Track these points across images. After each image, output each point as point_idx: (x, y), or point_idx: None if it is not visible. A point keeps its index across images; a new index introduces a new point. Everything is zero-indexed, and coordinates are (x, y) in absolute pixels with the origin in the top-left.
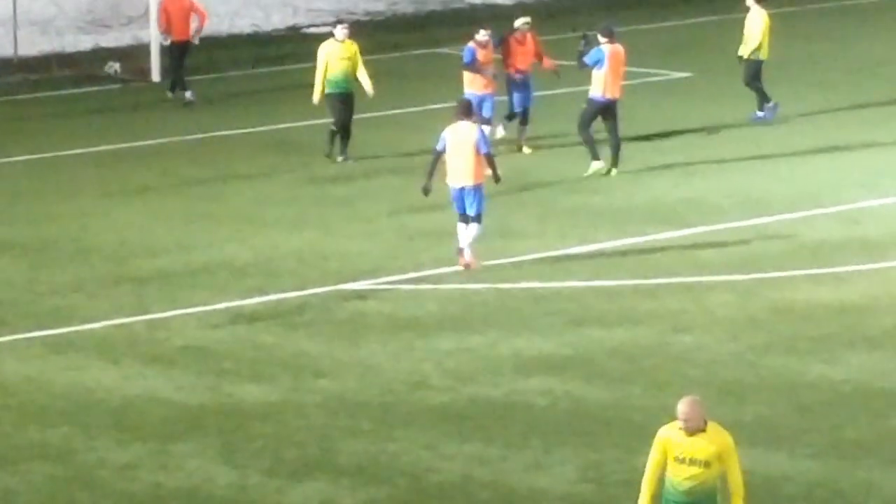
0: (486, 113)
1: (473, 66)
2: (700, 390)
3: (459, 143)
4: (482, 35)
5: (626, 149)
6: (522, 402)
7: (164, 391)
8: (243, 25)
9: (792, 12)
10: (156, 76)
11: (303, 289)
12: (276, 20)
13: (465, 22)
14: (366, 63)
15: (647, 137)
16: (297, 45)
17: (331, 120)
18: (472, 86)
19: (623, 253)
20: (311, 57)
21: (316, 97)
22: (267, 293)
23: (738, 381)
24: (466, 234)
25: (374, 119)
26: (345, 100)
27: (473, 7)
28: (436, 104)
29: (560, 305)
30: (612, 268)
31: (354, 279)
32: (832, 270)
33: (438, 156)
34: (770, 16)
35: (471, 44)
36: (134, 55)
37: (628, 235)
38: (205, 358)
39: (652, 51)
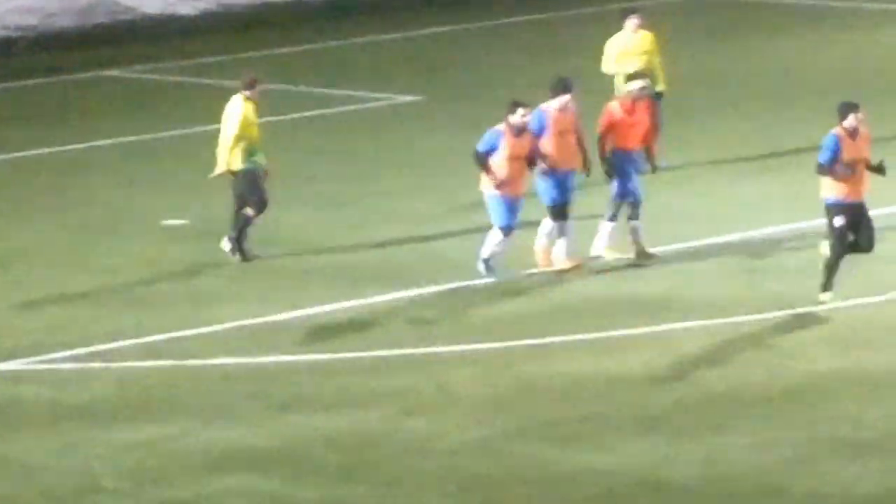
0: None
1: (484, 160)
2: (438, 486)
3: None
4: (519, 114)
5: (340, 186)
6: None
7: None
8: None
9: None
10: None
11: None
12: None
13: (140, 38)
14: (13, 90)
15: (367, 174)
16: None
17: None
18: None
19: (340, 320)
20: None
21: None
22: None
23: (484, 474)
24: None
25: (27, 159)
26: None
27: (148, 19)
28: (104, 139)
29: (262, 386)
30: (326, 338)
31: (6, 358)
32: (599, 336)
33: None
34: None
35: (500, 126)
36: None
37: (346, 298)
38: None
39: (369, 69)
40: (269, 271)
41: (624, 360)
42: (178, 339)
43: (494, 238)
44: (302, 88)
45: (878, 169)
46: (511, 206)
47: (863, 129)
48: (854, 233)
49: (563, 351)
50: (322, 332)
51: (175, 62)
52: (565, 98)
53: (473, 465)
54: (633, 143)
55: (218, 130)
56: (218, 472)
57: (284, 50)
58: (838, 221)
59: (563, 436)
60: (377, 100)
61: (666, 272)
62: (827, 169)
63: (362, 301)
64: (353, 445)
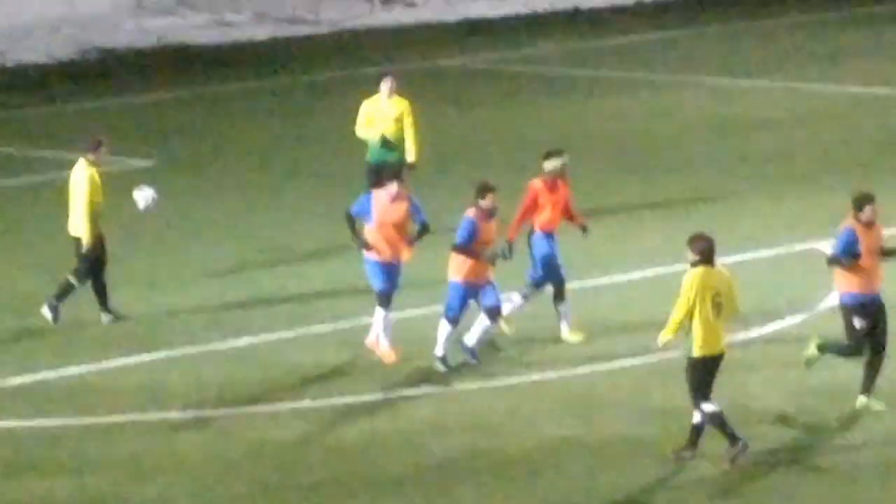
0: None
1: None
2: None
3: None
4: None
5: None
6: None
7: None
8: None
9: None
10: None
11: None
12: None
13: None
14: None
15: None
16: None
17: None
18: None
19: (71, 384)
20: None
21: None
22: None
23: None
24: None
25: None
26: None
27: None
28: None
29: None
30: (55, 403)
31: None
32: (329, 402)
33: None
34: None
35: (470, 213)
36: None
37: (75, 363)
38: None
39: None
40: None
41: (353, 426)
42: None
43: (445, 330)
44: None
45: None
46: (467, 295)
47: (877, 221)
48: (870, 332)
49: (289, 416)
50: (53, 397)
51: None
52: (394, 188)
53: None
54: (555, 222)
55: None
56: None
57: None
58: (859, 324)
59: (293, 501)
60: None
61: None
62: (842, 261)
63: (94, 366)
64: None
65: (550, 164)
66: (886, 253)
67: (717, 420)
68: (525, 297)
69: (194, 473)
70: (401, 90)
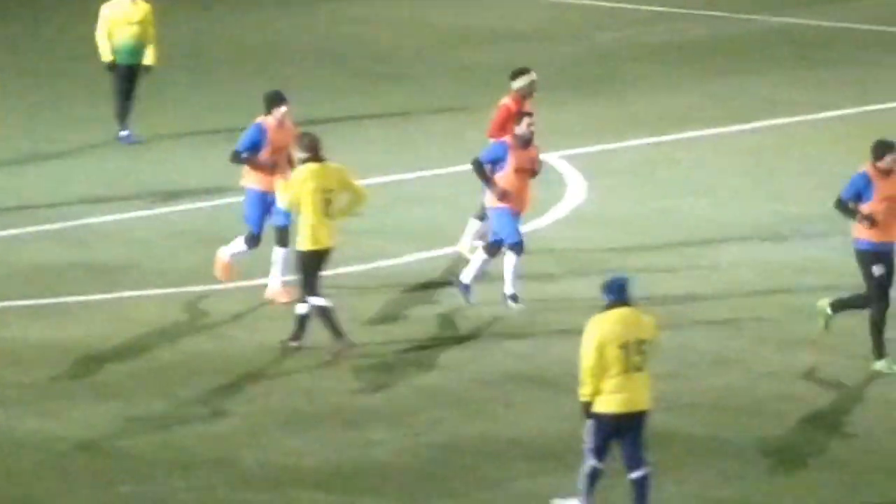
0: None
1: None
2: None
3: None
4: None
5: None
6: None
7: None
8: None
9: None
10: None
11: None
12: None
13: None
14: None
15: None
16: None
17: None
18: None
19: None
20: None
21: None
22: None
23: None
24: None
25: None
26: None
27: None
28: None
29: None
30: None
31: None
32: (51, 302)
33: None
34: None
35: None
36: None
37: None
38: None
39: None
40: None
41: (77, 328)
42: None
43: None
44: None
45: None
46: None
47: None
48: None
49: (15, 317)
50: None
51: None
52: (281, 111)
53: None
54: None
55: None
56: None
57: None
58: (878, 270)
59: (10, 401)
60: None
61: (125, 240)
62: (847, 207)
63: None
64: None
65: (519, 83)
66: None
67: (325, 314)
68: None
69: None
70: None
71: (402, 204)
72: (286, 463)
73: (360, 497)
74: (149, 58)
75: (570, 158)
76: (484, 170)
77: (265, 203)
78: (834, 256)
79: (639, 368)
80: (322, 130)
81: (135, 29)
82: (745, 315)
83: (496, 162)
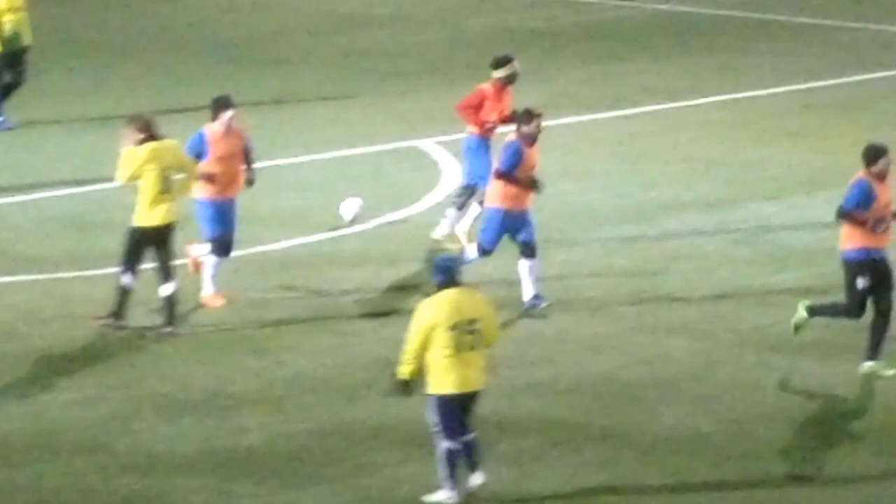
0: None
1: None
2: None
3: None
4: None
5: None
6: None
7: None
8: None
9: None
10: None
11: None
12: None
13: None
14: None
15: None
16: None
17: None
18: None
19: None
20: None
21: None
22: None
23: None
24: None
25: None
26: None
27: None
28: None
29: None
30: None
31: None
32: None
33: None
34: None
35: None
36: None
37: None
38: None
39: None
40: None
41: None
42: None
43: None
44: None
45: None
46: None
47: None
48: (874, 293)
49: None
50: None
51: None
52: (227, 115)
53: None
54: (493, 131)
55: None
56: None
57: None
58: (861, 283)
59: None
60: None
61: None
62: (854, 217)
63: None
64: None
65: (501, 73)
66: None
67: (125, 293)
68: (458, 207)
69: None
70: None
71: (278, 190)
72: (159, 449)
73: (233, 483)
74: (27, 38)
75: (444, 144)
76: (515, 177)
77: (219, 211)
78: (707, 242)
79: (472, 347)
80: (198, 117)
81: (20, 15)
82: (619, 301)
83: (518, 165)
